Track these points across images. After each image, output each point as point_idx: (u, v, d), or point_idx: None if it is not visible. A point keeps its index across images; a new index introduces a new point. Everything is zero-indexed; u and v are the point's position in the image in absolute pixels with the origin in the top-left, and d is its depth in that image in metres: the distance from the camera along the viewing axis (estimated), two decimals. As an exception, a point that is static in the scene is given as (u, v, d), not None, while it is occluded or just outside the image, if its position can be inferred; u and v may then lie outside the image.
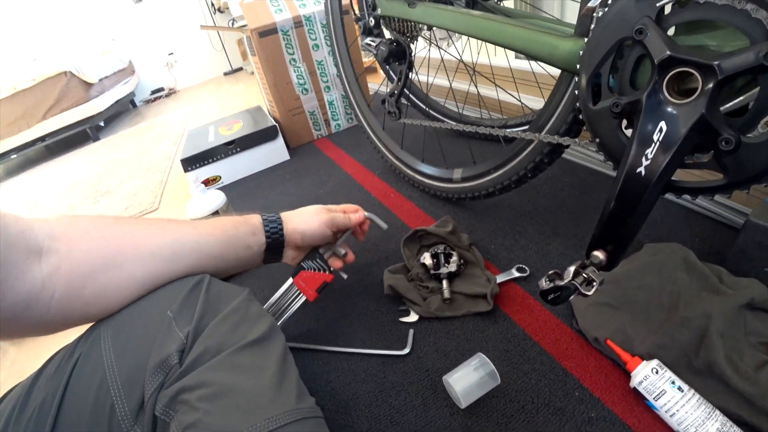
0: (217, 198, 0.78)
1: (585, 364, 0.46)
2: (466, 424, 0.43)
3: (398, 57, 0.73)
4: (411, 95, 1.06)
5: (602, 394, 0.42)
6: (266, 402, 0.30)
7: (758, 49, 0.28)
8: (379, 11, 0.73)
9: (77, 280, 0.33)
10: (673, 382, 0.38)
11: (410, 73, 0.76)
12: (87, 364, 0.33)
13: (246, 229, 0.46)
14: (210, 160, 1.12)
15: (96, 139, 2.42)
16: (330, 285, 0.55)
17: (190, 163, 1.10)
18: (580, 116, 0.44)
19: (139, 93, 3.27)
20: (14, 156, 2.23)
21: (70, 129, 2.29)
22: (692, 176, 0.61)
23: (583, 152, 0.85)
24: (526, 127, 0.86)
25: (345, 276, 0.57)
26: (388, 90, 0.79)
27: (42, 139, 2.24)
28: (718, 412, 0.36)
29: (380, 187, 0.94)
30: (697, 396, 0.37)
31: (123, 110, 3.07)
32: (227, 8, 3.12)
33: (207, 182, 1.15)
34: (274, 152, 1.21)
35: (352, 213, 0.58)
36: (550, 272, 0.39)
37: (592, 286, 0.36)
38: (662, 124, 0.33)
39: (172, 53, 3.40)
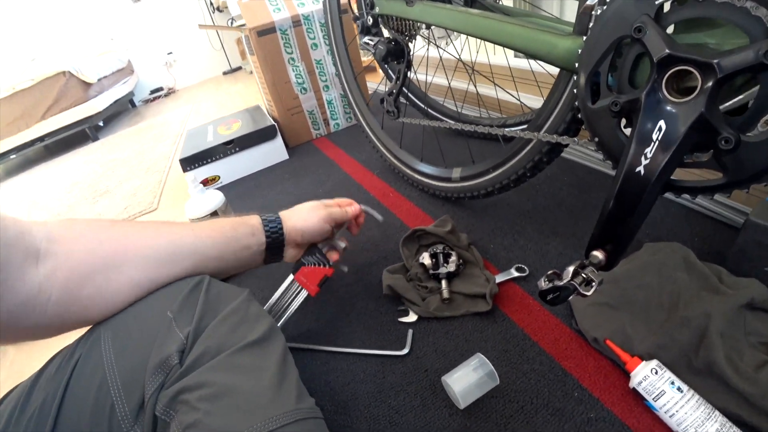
0: (215, 198, 0.78)
1: (584, 364, 0.46)
2: (465, 425, 0.43)
3: (396, 56, 0.72)
4: (410, 94, 1.06)
5: (601, 394, 0.42)
6: (266, 402, 0.31)
7: (758, 47, 0.27)
8: (377, 10, 0.73)
9: (74, 283, 0.33)
10: (672, 383, 0.37)
11: (409, 72, 0.75)
12: (87, 364, 0.33)
13: (245, 230, 0.46)
14: (209, 160, 1.12)
15: (95, 139, 2.42)
16: (330, 279, 0.55)
17: (189, 162, 1.10)
18: (579, 115, 0.43)
19: (138, 93, 3.27)
20: (13, 156, 2.23)
21: (69, 129, 2.28)
22: (692, 175, 0.61)
23: (582, 151, 0.85)
24: (525, 126, 0.86)
25: (345, 269, 0.58)
26: (387, 89, 0.79)
27: (41, 139, 2.24)
28: (717, 412, 0.35)
29: (379, 186, 0.94)
30: (697, 396, 0.37)
31: (122, 110, 3.06)
32: (226, 7, 3.11)
33: (206, 182, 1.14)
34: (273, 152, 1.20)
35: (346, 206, 0.58)
36: (549, 272, 0.39)
37: (591, 287, 0.36)
38: (661, 123, 0.33)
39: (171, 53, 3.39)
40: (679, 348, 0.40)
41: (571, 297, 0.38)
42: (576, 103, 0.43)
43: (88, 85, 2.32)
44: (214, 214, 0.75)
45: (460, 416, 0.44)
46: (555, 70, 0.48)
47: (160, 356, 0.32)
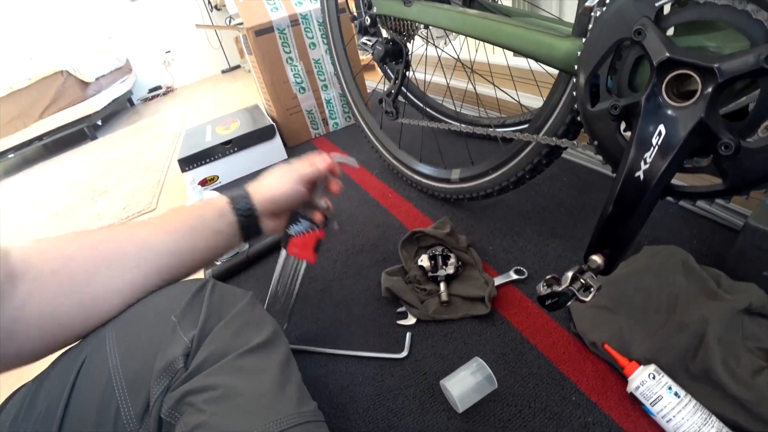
0: (213, 199, 0.77)
1: (582, 368, 0.46)
2: (464, 429, 0.43)
3: (395, 56, 0.72)
4: (409, 94, 1.06)
5: (599, 398, 0.42)
6: (270, 405, 0.31)
7: (759, 52, 0.27)
8: (374, 10, 0.72)
9: (49, 304, 0.32)
10: (669, 388, 0.37)
11: (407, 73, 0.75)
12: (92, 366, 0.33)
13: (211, 213, 0.44)
14: (207, 160, 1.12)
15: (93, 138, 2.41)
16: (324, 241, 0.52)
17: (188, 163, 1.09)
18: (578, 118, 0.43)
19: (136, 91, 3.25)
20: (11, 156, 2.22)
21: (67, 128, 2.28)
22: (691, 180, 0.61)
23: (581, 151, 0.84)
24: (524, 126, 0.85)
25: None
26: (385, 89, 0.79)
27: (39, 138, 2.24)
28: (714, 418, 0.35)
29: (378, 186, 0.94)
30: (694, 402, 0.36)
31: (120, 109, 3.05)
32: (224, 6, 3.10)
33: (204, 182, 1.14)
34: (272, 152, 1.20)
35: (318, 162, 0.52)
36: (548, 277, 0.39)
37: (590, 292, 0.36)
38: (661, 127, 0.33)
39: (169, 51, 3.38)
40: (677, 352, 0.40)
41: (569, 302, 0.37)
42: (575, 105, 0.43)
43: (86, 84, 2.31)
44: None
45: (459, 420, 0.44)
46: (554, 70, 0.48)
47: (166, 359, 0.33)
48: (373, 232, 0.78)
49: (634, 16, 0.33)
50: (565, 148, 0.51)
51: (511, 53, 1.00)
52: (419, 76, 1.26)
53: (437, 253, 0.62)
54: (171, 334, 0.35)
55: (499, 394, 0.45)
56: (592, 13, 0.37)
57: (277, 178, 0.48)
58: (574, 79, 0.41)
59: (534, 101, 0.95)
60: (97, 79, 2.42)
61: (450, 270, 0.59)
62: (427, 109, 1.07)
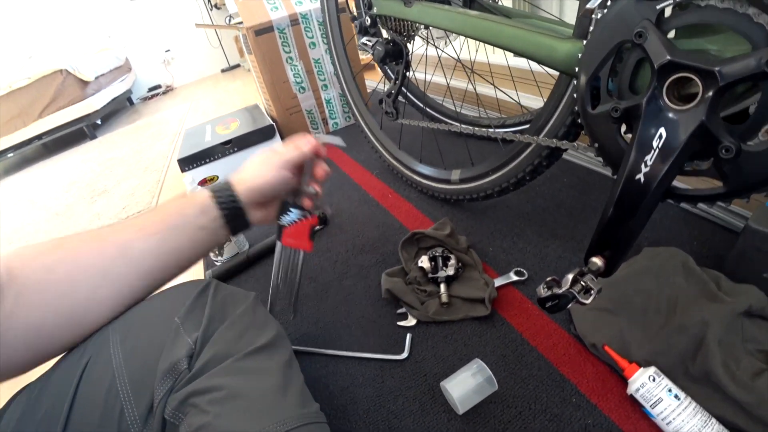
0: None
1: (582, 369, 0.46)
2: (464, 430, 0.43)
3: (395, 57, 0.72)
4: (409, 94, 1.05)
5: (599, 400, 0.42)
6: (273, 406, 0.32)
7: (760, 55, 0.27)
8: (375, 10, 0.72)
9: (35, 315, 0.32)
10: (670, 390, 0.37)
11: (407, 73, 0.75)
12: (96, 367, 0.34)
13: (193, 210, 0.41)
14: (207, 160, 1.11)
15: (93, 137, 2.40)
16: (318, 227, 0.50)
17: (187, 163, 1.09)
18: (579, 120, 0.43)
19: (136, 90, 3.25)
20: (11, 155, 2.22)
21: (66, 127, 2.27)
22: (692, 182, 0.61)
23: (582, 153, 0.84)
24: (524, 126, 0.85)
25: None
26: (385, 90, 0.79)
27: (39, 137, 2.23)
28: (714, 420, 0.36)
29: (378, 187, 0.94)
30: (694, 404, 0.37)
31: (120, 108, 3.05)
32: (224, 4, 3.09)
33: (204, 182, 1.14)
34: (272, 152, 1.20)
35: (302, 144, 0.48)
36: (548, 279, 0.39)
37: (590, 295, 0.36)
38: (662, 130, 0.33)
39: (168, 50, 3.37)
40: (677, 355, 0.40)
41: (570, 305, 0.37)
42: (576, 107, 0.43)
43: (85, 83, 2.30)
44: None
45: (459, 421, 0.44)
46: (554, 71, 0.48)
47: (170, 361, 0.33)
48: (373, 232, 0.78)
49: (636, 18, 0.33)
50: (566, 150, 0.51)
51: (512, 54, 1.00)
52: (419, 76, 1.26)
53: (437, 254, 0.62)
54: (174, 336, 0.35)
55: (499, 396, 0.45)
56: (593, 15, 0.37)
57: (260, 165, 0.45)
58: (575, 81, 0.41)
59: (534, 102, 0.95)
60: (96, 78, 2.41)
61: (450, 271, 0.59)
62: (427, 110, 1.06)
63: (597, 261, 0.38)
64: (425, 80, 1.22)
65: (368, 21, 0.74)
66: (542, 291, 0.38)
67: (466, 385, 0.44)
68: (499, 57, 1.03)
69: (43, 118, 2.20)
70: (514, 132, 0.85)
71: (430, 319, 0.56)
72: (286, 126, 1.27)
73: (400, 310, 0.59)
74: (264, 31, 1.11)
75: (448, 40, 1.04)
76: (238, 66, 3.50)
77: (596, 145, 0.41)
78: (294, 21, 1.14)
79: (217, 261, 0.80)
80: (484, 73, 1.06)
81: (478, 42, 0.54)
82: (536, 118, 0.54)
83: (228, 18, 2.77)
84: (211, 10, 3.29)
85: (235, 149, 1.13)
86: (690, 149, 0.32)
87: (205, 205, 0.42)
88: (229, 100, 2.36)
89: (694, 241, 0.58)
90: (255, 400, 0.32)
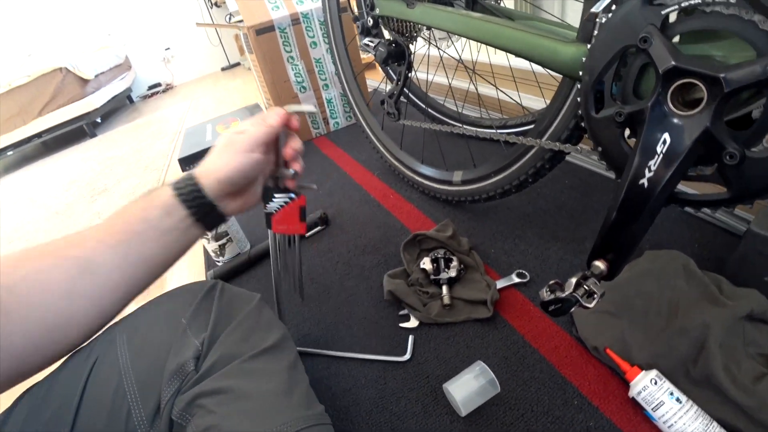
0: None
1: (584, 372, 0.46)
2: (466, 432, 0.44)
3: (397, 58, 0.72)
4: (410, 94, 1.05)
5: (601, 403, 0.43)
6: (279, 408, 0.32)
7: (765, 62, 0.27)
8: (377, 11, 0.72)
9: (4, 340, 0.28)
10: (671, 393, 0.38)
11: (409, 74, 0.75)
12: (103, 367, 0.34)
13: (155, 213, 0.36)
14: (208, 160, 1.11)
15: (93, 135, 2.40)
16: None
17: (188, 162, 1.09)
18: (582, 123, 0.43)
19: (135, 88, 3.24)
20: (10, 153, 2.21)
21: (66, 125, 2.27)
22: (695, 186, 0.61)
23: (584, 155, 0.84)
24: (526, 128, 0.85)
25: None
26: (387, 91, 0.78)
27: (38, 135, 2.22)
28: (715, 423, 0.36)
29: (380, 187, 0.94)
30: (695, 407, 0.37)
31: (120, 106, 3.04)
32: (224, 2, 3.07)
33: (205, 182, 1.14)
34: (273, 151, 1.20)
35: (269, 119, 0.42)
36: (551, 282, 0.39)
37: (593, 299, 0.36)
38: (666, 135, 0.33)
39: (168, 48, 3.35)
40: (678, 357, 0.41)
41: (573, 309, 0.38)
42: (579, 110, 0.43)
43: (85, 81, 2.29)
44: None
45: (461, 423, 0.44)
46: (556, 73, 0.48)
47: (177, 362, 0.34)
48: (375, 232, 0.79)
49: (641, 23, 0.33)
50: (569, 153, 0.51)
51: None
52: (420, 76, 1.25)
53: (439, 255, 0.62)
54: (181, 337, 0.36)
55: (501, 398, 0.45)
56: (598, 20, 0.37)
57: (225, 152, 0.39)
58: (578, 85, 0.41)
59: (535, 102, 0.95)
60: (96, 76, 2.40)
61: (452, 273, 0.60)
62: (429, 110, 1.06)
63: (600, 264, 0.39)
64: (427, 80, 1.22)
65: (370, 22, 0.74)
66: (545, 294, 0.38)
67: (468, 387, 0.44)
68: (500, 57, 1.03)
69: (42, 116, 2.19)
70: (516, 133, 0.85)
71: (432, 320, 0.56)
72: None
73: (402, 312, 0.59)
74: (265, 30, 1.11)
75: (450, 41, 1.04)
76: (238, 64, 3.49)
77: (600, 149, 0.41)
78: (295, 20, 1.13)
79: (218, 261, 0.80)
80: (485, 73, 1.06)
81: (479, 43, 0.54)
82: (539, 121, 0.54)
83: (228, 16, 2.76)
84: (211, 8, 3.27)
85: (236, 149, 1.13)
86: (694, 155, 0.32)
87: (168, 206, 0.37)
88: (230, 99, 2.36)
89: (695, 244, 0.58)
90: (261, 402, 0.32)
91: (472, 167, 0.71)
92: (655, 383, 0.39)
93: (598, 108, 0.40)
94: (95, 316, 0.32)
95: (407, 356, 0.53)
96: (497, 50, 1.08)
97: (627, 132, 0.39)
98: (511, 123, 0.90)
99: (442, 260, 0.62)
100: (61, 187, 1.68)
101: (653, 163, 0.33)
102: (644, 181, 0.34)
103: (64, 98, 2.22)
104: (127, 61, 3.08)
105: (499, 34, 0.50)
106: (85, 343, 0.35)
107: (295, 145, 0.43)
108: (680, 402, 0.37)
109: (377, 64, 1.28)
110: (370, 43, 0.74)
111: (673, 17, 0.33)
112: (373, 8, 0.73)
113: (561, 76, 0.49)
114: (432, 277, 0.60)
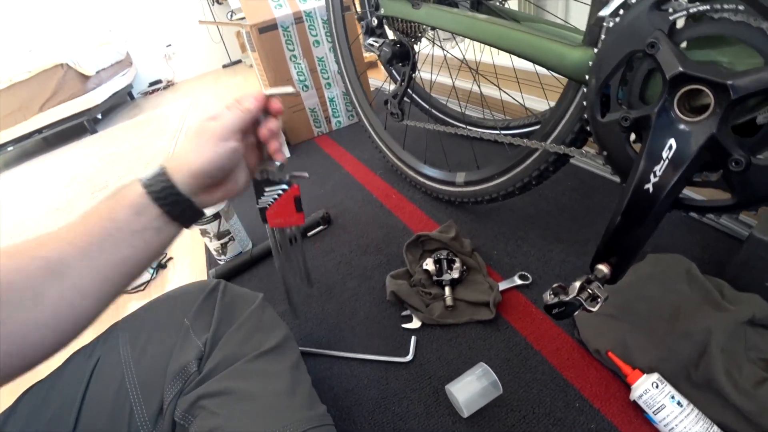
0: (217, 199, 0.77)
1: (586, 374, 0.46)
2: (468, 433, 0.44)
3: (401, 58, 0.72)
4: (414, 95, 1.05)
5: (602, 405, 0.43)
6: (282, 409, 0.32)
7: (773, 70, 0.27)
8: (382, 11, 0.72)
9: None
10: (672, 397, 0.38)
11: (414, 75, 0.75)
12: (106, 367, 0.34)
13: (124, 214, 0.33)
14: (210, 158, 1.11)
15: (93, 131, 2.39)
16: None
17: (190, 160, 1.09)
18: (587, 127, 0.43)
19: (136, 85, 3.23)
20: (11, 148, 2.21)
21: (67, 121, 2.26)
22: (700, 192, 0.61)
23: (588, 158, 0.84)
24: (530, 129, 0.85)
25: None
26: (391, 91, 0.78)
27: (39, 131, 2.22)
28: (716, 427, 0.36)
29: (381, 187, 0.94)
30: (696, 411, 0.37)
31: (120, 102, 3.03)
32: (225, -1, 3.06)
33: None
34: (275, 150, 1.19)
35: (245, 102, 0.37)
36: (555, 286, 0.39)
37: (597, 302, 0.36)
38: (672, 141, 0.33)
39: (170, 45, 3.34)
40: (680, 361, 0.41)
41: (576, 312, 0.38)
42: (584, 114, 0.43)
43: (86, 77, 2.29)
44: (217, 216, 0.75)
45: (464, 424, 0.45)
46: (560, 75, 0.48)
47: (179, 363, 0.34)
48: (377, 233, 0.79)
49: (648, 28, 0.33)
50: (573, 156, 0.51)
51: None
52: (424, 75, 1.25)
53: (442, 257, 0.62)
54: (184, 338, 0.36)
55: (503, 400, 0.46)
56: (605, 24, 0.37)
57: (196, 142, 0.35)
58: (584, 89, 0.41)
59: (538, 104, 0.95)
60: (97, 72, 2.40)
61: (455, 274, 0.60)
62: (432, 111, 1.06)
63: (603, 268, 0.39)
64: (431, 80, 1.22)
65: (375, 22, 0.74)
66: (549, 298, 0.38)
67: (471, 388, 0.44)
68: (504, 58, 1.03)
69: (43, 111, 2.18)
70: (520, 135, 0.85)
71: (435, 321, 0.56)
72: (289, 124, 1.26)
73: (404, 313, 0.59)
74: (268, 28, 1.11)
75: (455, 42, 1.03)
76: (239, 62, 3.47)
77: (605, 153, 0.41)
78: (298, 19, 1.13)
79: (220, 260, 0.80)
80: (488, 74, 1.06)
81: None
82: (544, 124, 0.54)
83: (230, 13, 2.75)
84: (213, 5, 3.26)
85: (238, 147, 1.13)
86: (700, 161, 0.32)
87: (139, 205, 0.33)
88: (230, 96, 2.35)
89: (697, 247, 0.58)
90: (264, 403, 0.32)
91: (475, 168, 0.71)
92: (657, 387, 0.39)
93: (604, 112, 0.40)
94: (67, 320, 0.30)
95: (409, 357, 0.53)
96: (500, 51, 1.08)
97: (633, 137, 0.39)
98: (514, 124, 0.90)
99: (444, 261, 0.62)
100: (61, 183, 1.68)
101: (659, 169, 0.34)
102: (649, 186, 0.34)
103: (64, 94, 2.21)
104: (128, 57, 3.07)
105: (505, 37, 0.50)
106: (85, 343, 0.36)
107: (271, 125, 0.38)
108: (681, 405, 0.37)
109: (380, 64, 1.28)
110: (375, 43, 0.74)
111: (680, 23, 0.33)
112: (377, 8, 0.72)
113: (566, 78, 0.49)
114: (435, 278, 0.61)
